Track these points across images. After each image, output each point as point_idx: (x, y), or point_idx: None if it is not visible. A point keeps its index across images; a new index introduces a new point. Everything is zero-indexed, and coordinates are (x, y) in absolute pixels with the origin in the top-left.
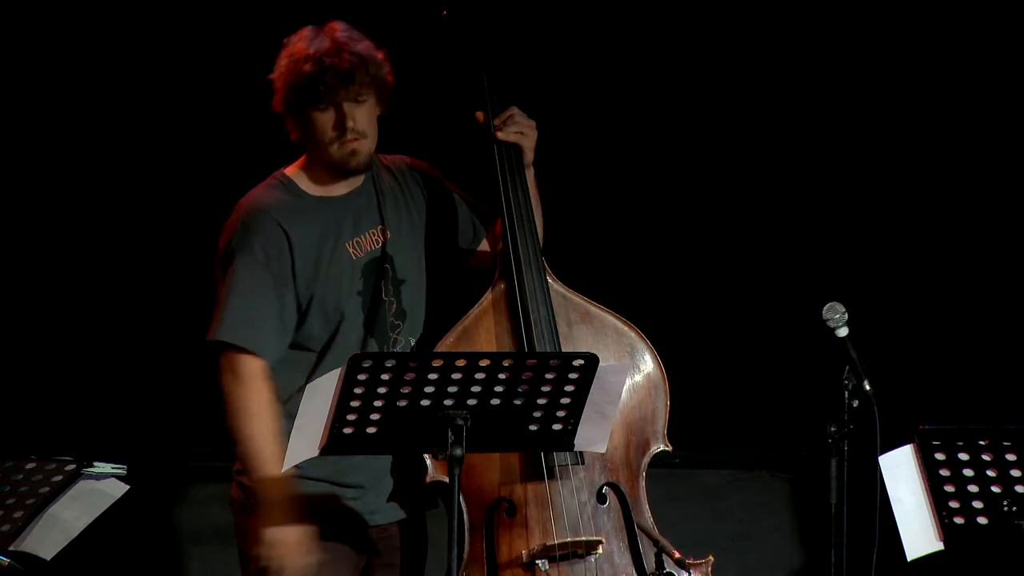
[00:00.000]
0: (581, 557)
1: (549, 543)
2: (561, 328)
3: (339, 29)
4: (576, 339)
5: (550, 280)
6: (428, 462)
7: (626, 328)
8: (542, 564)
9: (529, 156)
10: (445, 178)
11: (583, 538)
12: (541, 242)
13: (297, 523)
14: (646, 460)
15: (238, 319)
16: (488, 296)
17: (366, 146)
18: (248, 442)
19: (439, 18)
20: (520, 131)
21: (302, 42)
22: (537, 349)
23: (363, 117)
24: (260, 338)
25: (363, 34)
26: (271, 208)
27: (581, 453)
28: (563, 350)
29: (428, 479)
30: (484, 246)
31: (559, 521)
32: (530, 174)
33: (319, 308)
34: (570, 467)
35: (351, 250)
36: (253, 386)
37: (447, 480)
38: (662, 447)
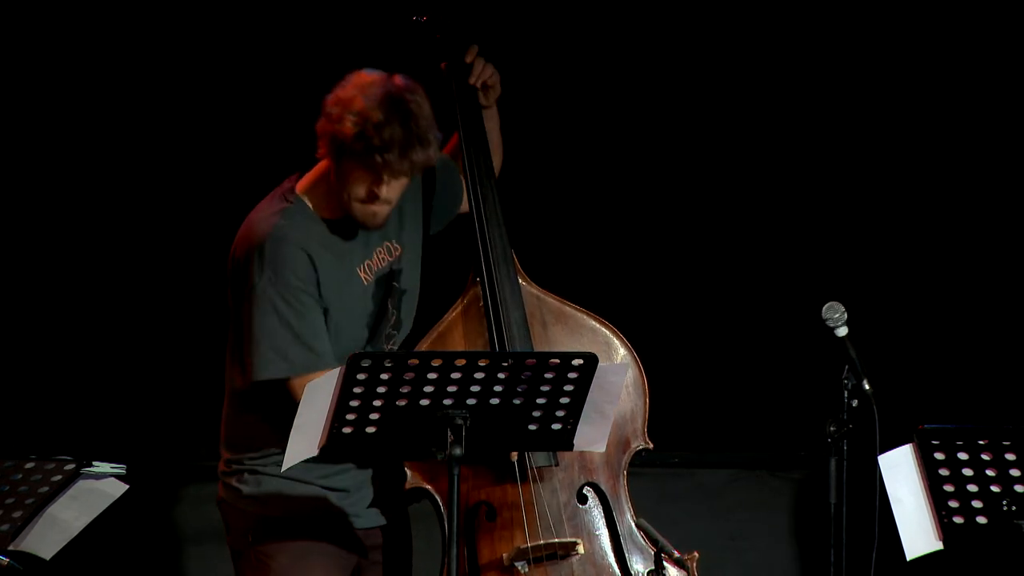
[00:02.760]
0: (561, 558)
1: (526, 545)
2: (536, 329)
3: (410, 100)
4: (552, 340)
5: (522, 282)
6: (407, 468)
7: (602, 327)
8: (521, 566)
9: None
10: None
11: (559, 540)
12: (497, 173)
13: None
14: (627, 459)
15: (298, 350)
16: (461, 301)
17: (387, 211)
18: None
19: (415, 23)
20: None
21: (371, 100)
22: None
23: (397, 190)
24: (321, 359)
25: (426, 99)
26: (291, 235)
27: (556, 454)
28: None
29: (408, 485)
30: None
31: (538, 523)
32: (494, 111)
33: (336, 335)
34: (547, 468)
35: (362, 275)
36: None
37: (427, 486)
38: (642, 445)
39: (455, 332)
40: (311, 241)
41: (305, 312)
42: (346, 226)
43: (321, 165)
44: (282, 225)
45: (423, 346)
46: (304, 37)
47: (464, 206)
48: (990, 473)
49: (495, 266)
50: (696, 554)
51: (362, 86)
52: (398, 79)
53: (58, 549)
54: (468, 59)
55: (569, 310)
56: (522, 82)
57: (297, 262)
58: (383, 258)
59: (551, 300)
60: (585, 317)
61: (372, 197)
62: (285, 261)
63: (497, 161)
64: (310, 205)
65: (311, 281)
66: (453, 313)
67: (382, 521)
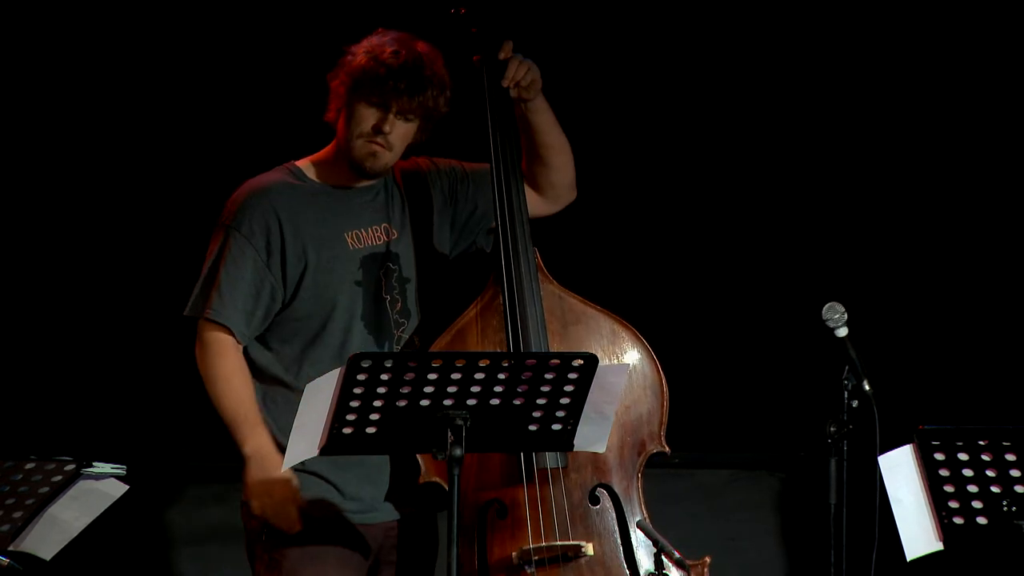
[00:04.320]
0: (569, 560)
1: (533, 546)
2: (556, 328)
3: (428, 48)
4: (571, 339)
5: (544, 281)
6: (422, 462)
7: (622, 329)
8: (528, 567)
9: (534, 92)
10: (452, 160)
11: (562, 542)
12: (569, 174)
13: (279, 477)
14: (641, 461)
15: (215, 295)
16: (481, 298)
17: (387, 157)
18: (220, 402)
19: (452, 15)
20: (526, 70)
21: (388, 39)
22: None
23: (400, 133)
24: (234, 316)
25: (443, 60)
26: (268, 188)
27: (565, 455)
28: (557, 350)
29: (422, 479)
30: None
31: (548, 523)
32: (542, 104)
33: (311, 291)
34: (558, 470)
35: (349, 240)
36: (221, 354)
37: (440, 481)
38: (658, 448)
39: (473, 329)
40: (288, 195)
41: (240, 264)
42: (341, 193)
43: (326, 148)
44: (265, 180)
45: (441, 343)
46: (339, 28)
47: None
48: (990, 474)
49: (516, 263)
50: (707, 559)
51: (378, 33)
52: (419, 39)
53: (58, 549)
54: (502, 56)
55: (590, 310)
56: (553, 80)
57: (261, 215)
58: (378, 235)
59: (573, 300)
60: (606, 318)
61: (376, 131)
62: (248, 210)
63: (563, 159)
64: (306, 172)
65: (269, 236)
66: (472, 310)
67: (396, 515)
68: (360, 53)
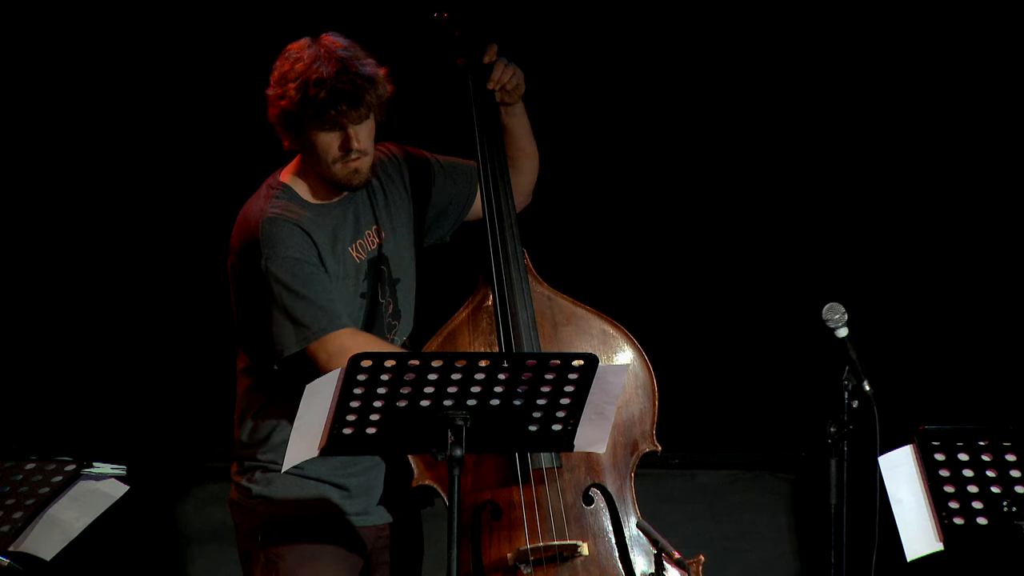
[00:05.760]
0: (565, 560)
1: (530, 546)
2: (546, 330)
3: (339, 46)
4: (562, 340)
5: (534, 282)
6: (414, 466)
7: (612, 329)
8: (524, 567)
9: (515, 99)
10: (425, 151)
11: (559, 542)
12: (533, 180)
13: None
14: (634, 461)
15: (312, 314)
16: (472, 300)
17: (367, 163)
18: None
19: (435, 19)
20: (512, 73)
21: (303, 63)
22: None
23: (366, 135)
24: (338, 319)
25: (359, 47)
26: (286, 216)
27: (559, 456)
28: (549, 351)
29: (415, 483)
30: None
31: (543, 524)
32: (520, 109)
33: None
34: (552, 470)
35: (354, 253)
36: (354, 344)
37: (433, 484)
38: (650, 448)
39: (464, 331)
40: (304, 222)
41: (310, 281)
42: (335, 208)
43: (298, 156)
44: (273, 209)
45: (432, 345)
46: (321, 29)
47: (478, 211)
48: (990, 474)
49: (506, 265)
50: (701, 557)
51: (291, 58)
52: (324, 36)
53: (58, 550)
54: (486, 59)
55: (580, 311)
56: (539, 82)
57: (294, 238)
58: (372, 240)
59: (562, 300)
60: (596, 318)
61: (346, 151)
62: (282, 239)
63: (531, 165)
64: (297, 191)
65: (311, 253)
66: (463, 312)
67: (389, 518)
68: (289, 88)
